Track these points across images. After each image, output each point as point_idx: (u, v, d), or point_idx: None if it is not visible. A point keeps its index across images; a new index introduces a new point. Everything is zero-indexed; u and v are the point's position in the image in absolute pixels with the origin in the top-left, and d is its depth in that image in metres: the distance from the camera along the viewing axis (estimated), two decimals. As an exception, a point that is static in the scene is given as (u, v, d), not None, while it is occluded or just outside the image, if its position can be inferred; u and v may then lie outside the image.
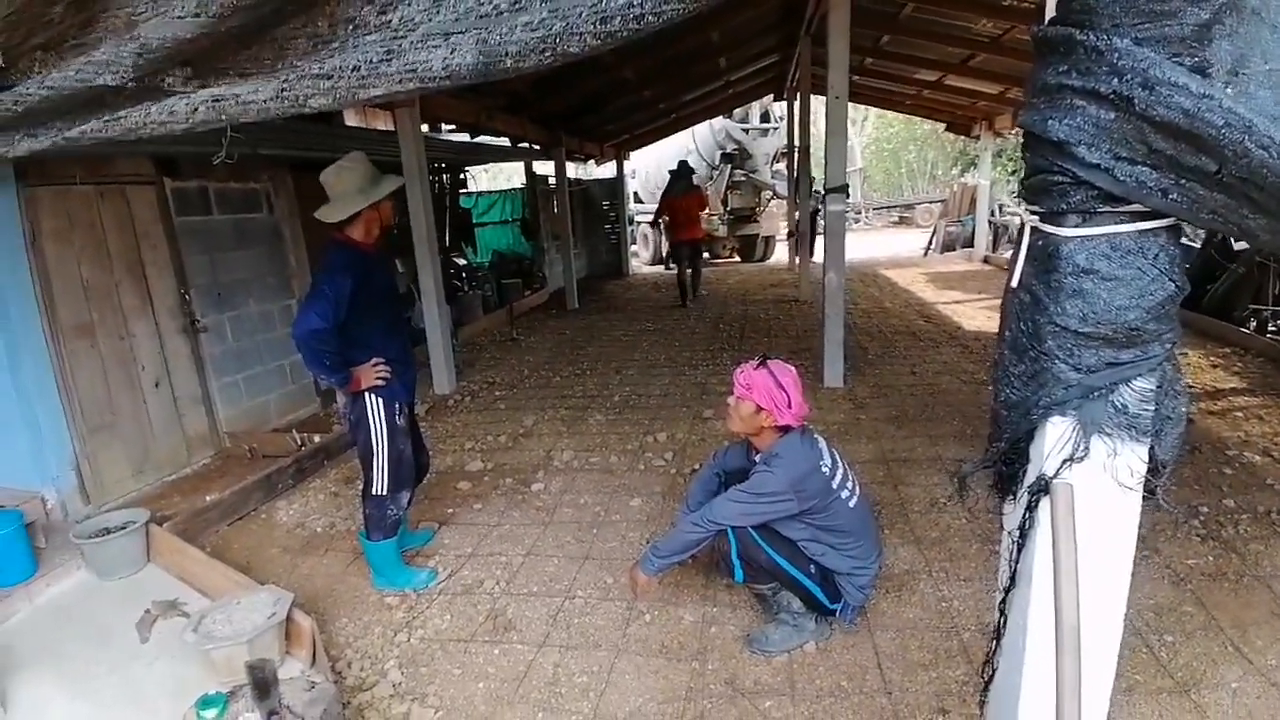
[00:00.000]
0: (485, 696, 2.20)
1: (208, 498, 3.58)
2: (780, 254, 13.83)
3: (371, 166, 2.55)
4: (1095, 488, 1.09)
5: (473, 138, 7.75)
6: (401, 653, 2.44)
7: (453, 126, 7.39)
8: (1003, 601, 1.29)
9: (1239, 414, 4.20)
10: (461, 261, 8.97)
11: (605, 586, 2.77)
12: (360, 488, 2.91)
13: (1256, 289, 6.05)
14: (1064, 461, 1.09)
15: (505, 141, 8.37)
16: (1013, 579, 1.23)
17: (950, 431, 4.10)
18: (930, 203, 20.15)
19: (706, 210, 11.12)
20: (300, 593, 2.77)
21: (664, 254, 13.93)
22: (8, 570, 2.80)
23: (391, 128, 5.80)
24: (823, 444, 2.36)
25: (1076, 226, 1.03)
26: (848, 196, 5.14)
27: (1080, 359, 1.05)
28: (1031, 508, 1.14)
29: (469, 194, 9.72)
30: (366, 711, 2.17)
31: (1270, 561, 2.64)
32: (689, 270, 8.98)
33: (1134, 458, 1.08)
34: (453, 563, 3.00)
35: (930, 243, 13.71)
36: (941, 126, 12.96)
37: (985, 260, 11.21)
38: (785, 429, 2.27)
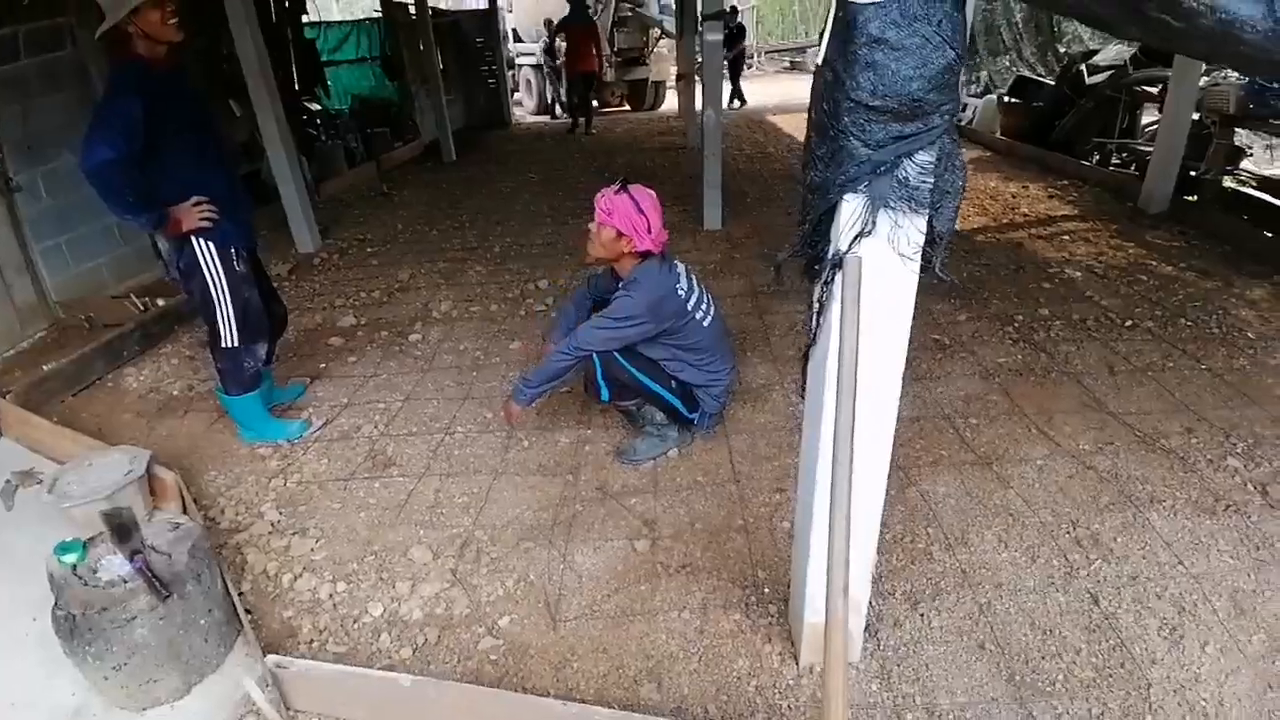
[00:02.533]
0: (367, 523, 2.29)
1: (45, 367, 3.28)
2: (671, 102, 13.29)
3: None
4: (880, 260, 1.21)
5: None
6: (278, 496, 2.45)
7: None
8: (803, 359, 1.45)
9: (1066, 237, 4.69)
10: (316, 107, 7.99)
11: (485, 421, 2.85)
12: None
13: (1103, 124, 6.52)
14: (855, 237, 1.19)
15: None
16: (813, 339, 1.37)
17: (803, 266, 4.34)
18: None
19: (596, 49, 10.51)
20: (162, 453, 2.65)
21: (549, 101, 13.04)
22: None
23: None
24: (681, 269, 2.43)
25: (872, -10, 1.05)
26: (727, 26, 4.91)
27: (870, 134, 1.11)
28: (828, 281, 1.25)
29: (313, 24, 8.43)
30: (245, 549, 2.21)
31: (1082, 361, 3.05)
32: (580, 102, 10.07)
33: (914, 230, 1.19)
34: (327, 413, 2.96)
35: (819, 88, 13.55)
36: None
37: (868, 105, 11.29)
38: (645, 254, 2.31)
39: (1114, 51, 6.64)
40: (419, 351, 3.51)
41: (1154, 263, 4.13)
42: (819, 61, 1.15)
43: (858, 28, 1.04)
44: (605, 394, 2.41)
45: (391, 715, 1.62)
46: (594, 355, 2.32)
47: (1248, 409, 2.66)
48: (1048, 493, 2.24)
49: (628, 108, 13.40)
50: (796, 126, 9.86)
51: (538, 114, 13.36)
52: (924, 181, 1.14)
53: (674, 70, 12.54)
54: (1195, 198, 5.16)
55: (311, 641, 1.87)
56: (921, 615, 1.81)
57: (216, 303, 2.48)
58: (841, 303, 1.19)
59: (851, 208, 1.17)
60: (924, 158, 1.13)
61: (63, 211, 4.00)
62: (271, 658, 1.68)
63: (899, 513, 2.17)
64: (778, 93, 15.01)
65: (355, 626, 1.90)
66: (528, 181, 7.33)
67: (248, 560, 2.17)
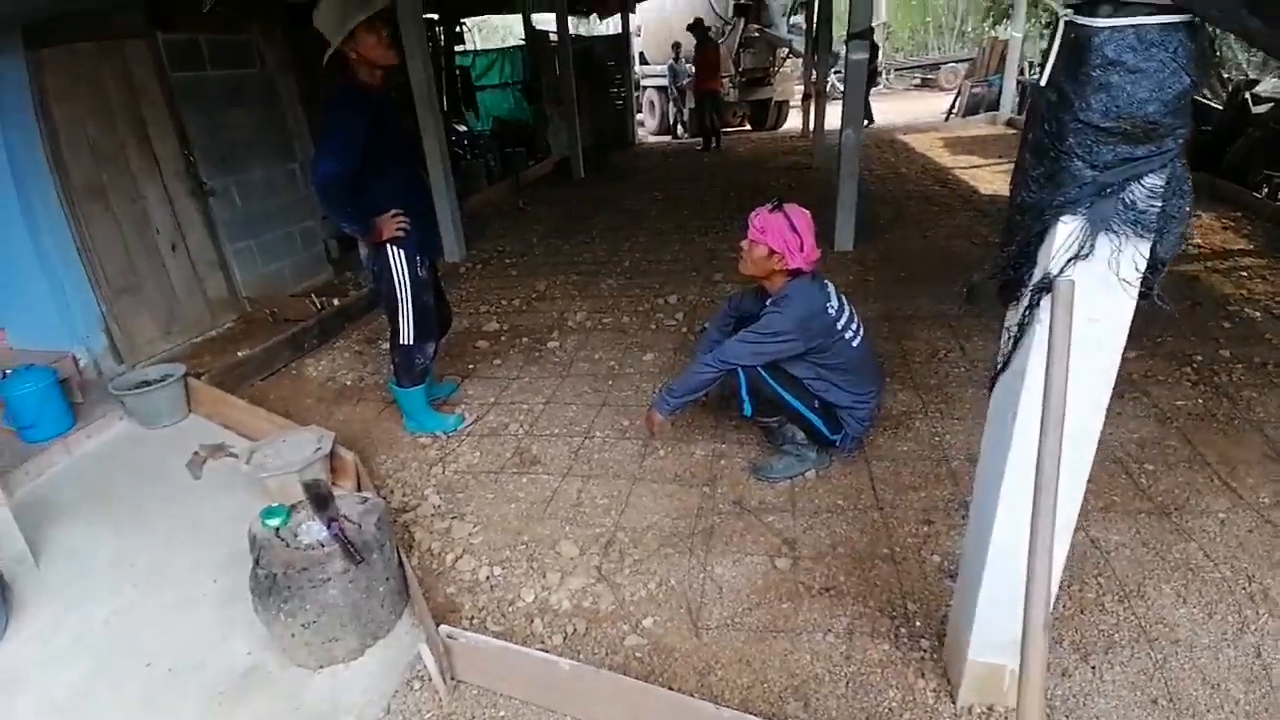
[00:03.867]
0: (517, 514, 2.44)
1: (239, 353, 3.74)
2: (794, 121, 13.18)
3: None
4: (1096, 284, 1.16)
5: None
6: (438, 482, 2.66)
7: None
8: (991, 384, 1.40)
9: (1244, 273, 4.22)
10: (462, 128, 8.64)
11: (622, 428, 2.96)
12: (387, 341, 3.02)
13: (1271, 153, 5.84)
14: (1069, 259, 1.15)
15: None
16: (1004, 365, 1.33)
17: (955, 290, 4.15)
18: (956, 62, 18.81)
19: (720, 70, 10.75)
20: (340, 436, 2.96)
21: (671, 121, 13.30)
22: (43, 424, 2.96)
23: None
24: (831, 288, 2.43)
25: (1109, 17, 1.03)
26: (873, 43, 4.84)
27: (1098, 155, 1.08)
28: (1033, 305, 1.21)
29: (465, 52, 9.15)
30: (412, 528, 2.42)
31: (1264, 409, 2.75)
32: (713, 116, 10.72)
33: (1137, 254, 1.14)
34: (478, 410, 3.19)
35: (953, 106, 12.95)
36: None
37: (1009, 124, 10.68)
38: (796, 272, 2.32)
39: (1273, 83, 6.00)
40: (557, 358, 3.69)
41: (1343, 306, 3.62)
42: (1041, 82, 1.14)
43: (1092, 49, 1.03)
44: (748, 408, 2.44)
45: (547, 696, 1.72)
46: (739, 369, 2.36)
47: None
48: (1228, 547, 2.04)
49: (749, 127, 13.41)
50: (929, 147, 9.49)
51: (659, 134, 13.69)
52: (1152, 205, 1.10)
53: (798, 89, 12.46)
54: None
55: (472, 618, 2.02)
56: (1093, 668, 1.69)
57: (400, 303, 2.73)
58: (1051, 328, 1.16)
59: (1068, 230, 1.14)
60: (1154, 181, 1.09)
61: (252, 217, 4.55)
62: (444, 628, 1.83)
63: (1067, 559, 2.03)
64: (909, 110, 14.50)
65: (510, 609, 2.03)
66: (653, 199, 7.52)
67: (415, 538, 2.37)
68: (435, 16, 7.42)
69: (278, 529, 2.04)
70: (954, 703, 1.63)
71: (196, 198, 4.17)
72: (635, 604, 2.01)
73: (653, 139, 13.41)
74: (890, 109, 14.48)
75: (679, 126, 13.17)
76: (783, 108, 13.40)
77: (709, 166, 9.33)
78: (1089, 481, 2.37)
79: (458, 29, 8.20)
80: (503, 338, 4.00)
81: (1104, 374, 1.24)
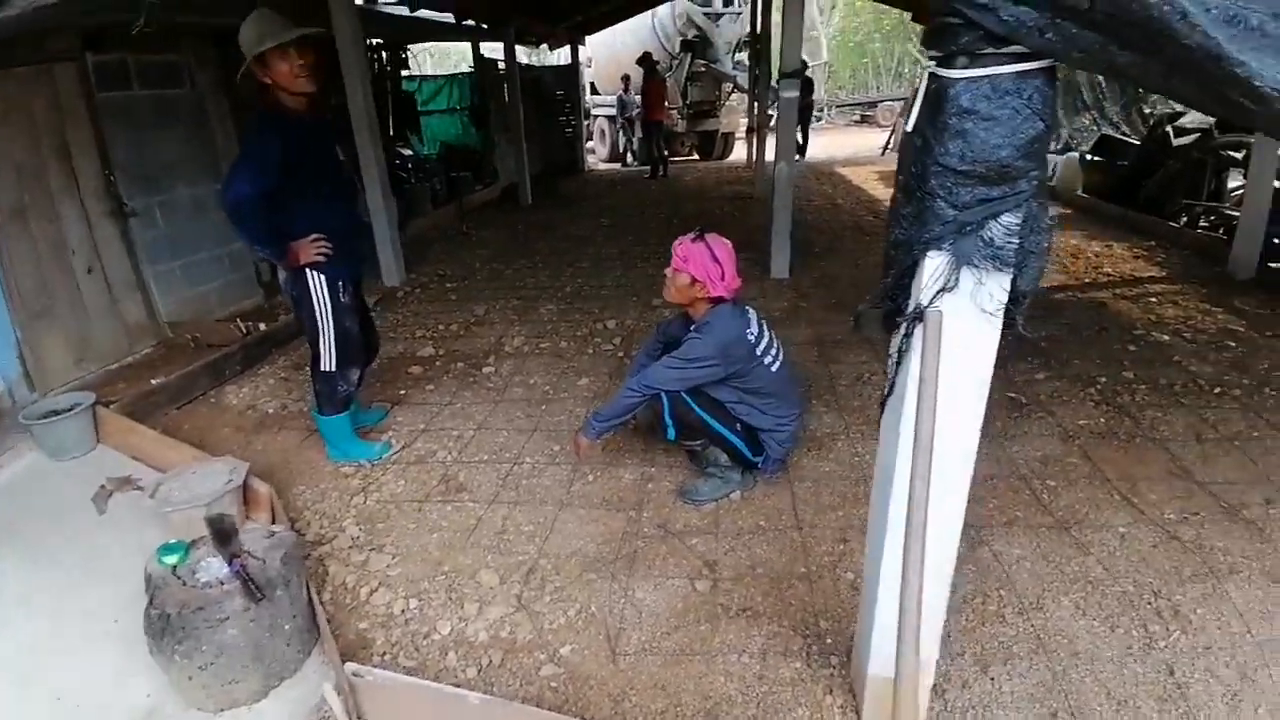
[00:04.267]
0: (438, 544, 2.39)
1: (153, 381, 3.58)
2: (740, 152, 13.58)
3: (273, 21, 2.34)
4: (962, 315, 1.24)
5: (412, 10, 7.20)
6: (359, 512, 2.59)
7: (391, -1, 6.85)
8: (881, 408, 1.47)
9: (1153, 299, 4.51)
10: (407, 152, 8.58)
11: (552, 453, 2.95)
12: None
13: (1190, 186, 6.29)
14: (937, 291, 1.22)
15: (449, 18, 7.81)
16: (890, 390, 1.40)
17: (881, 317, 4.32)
18: (893, 100, 19.80)
19: (666, 101, 11.05)
20: (256, 466, 2.86)
21: (620, 149, 13.54)
22: (-46, 452, 2.80)
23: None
24: (752, 315, 2.49)
25: (965, 68, 1.11)
26: (807, 80, 5.06)
27: (957, 196, 1.16)
28: (908, 333, 1.28)
29: (412, 77, 9.13)
30: (328, 561, 2.34)
31: (1169, 428, 2.92)
32: (660, 146, 11.13)
33: (997, 287, 1.22)
34: (406, 437, 3.13)
35: (889, 141, 13.62)
36: (909, 16, 12.52)
37: (940, 159, 11.24)
38: (718, 300, 2.39)
39: (1197, 115, 6.45)
40: (491, 383, 3.66)
41: (1241, 329, 3.91)
42: (908, 129, 1.22)
43: (949, 99, 1.11)
44: (671, 433, 2.47)
45: (456, 731, 1.67)
46: (662, 394, 2.39)
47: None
48: (1130, 562, 2.14)
49: (696, 157, 13.76)
50: (865, 179, 9.91)
51: (610, 161, 13.90)
52: (1009, 242, 1.18)
53: (744, 122, 12.89)
54: (1281, 266, 4.89)
55: (384, 654, 1.96)
56: (992, 679, 1.75)
57: (321, 329, 2.68)
58: (921, 355, 1.22)
59: (935, 264, 1.22)
60: (1010, 219, 1.17)
61: (176, 238, 4.41)
62: (350, 665, 1.76)
63: (969, 573, 2.12)
64: (849, 144, 15.11)
65: (425, 643, 1.98)
66: (599, 226, 7.60)
67: (329, 571, 2.29)
68: (379, 41, 7.39)
69: (175, 566, 1.95)
70: (859, 718, 1.66)
71: (116, 218, 4.01)
72: (554, 632, 1.99)
73: (603, 166, 13.61)
74: (831, 143, 15.08)
75: (628, 155, 13.41)
76: (729, 139, 13.82)
77: (655, 194, 9.51)
78: (994, 498, 2.51)
79: (403, 55, 8.17)
80: (437, 363, 3.95)
81: (975, 398, 1.32)
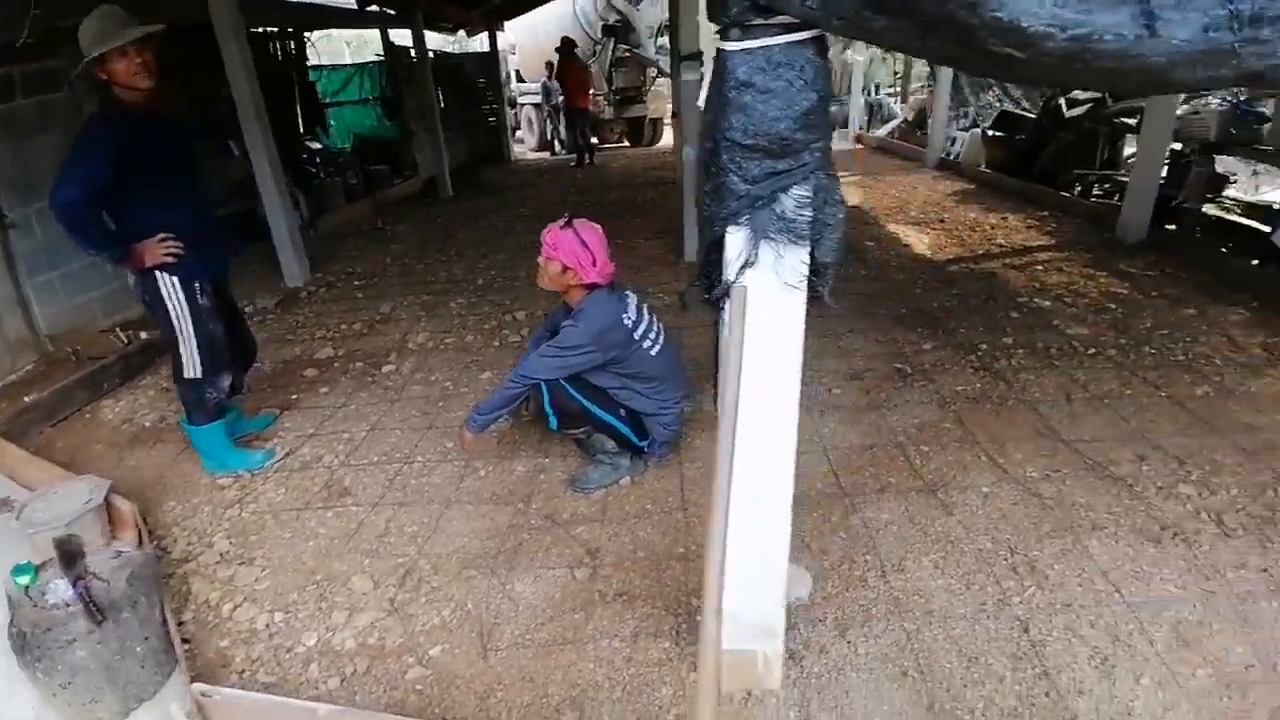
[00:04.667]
0: (314, 553, 2.31)
1: (26, 399, 3.37)
2: (669, 138, 13.54)
3: (113, 19, 2.24)
4: (766, 289, 1.24)
5: (310, -2, 6.89)
6: (231, 526, 2.48)
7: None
8: (714, 383, 1.47)
9: (1040, 267, 4.72)
10: (317, 145, 8.24)
11: (445, 450, 2.88)
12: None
13: (1084, 155, 6.58)
14: (741, 267, 1.23)
15: (350, 3, 7.49)
16: (715, 365, 1.40)
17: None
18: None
19: (590, 88, 10.92)
20: (127, 483, 2.73)
21: (549, 138, 13.33)
22: None
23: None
24: (631, 299, 2.48)
25: (739, 40, 1.11)
26: (701, 64, 5.06)
27: (747, 171, 1.16)
28: (722, 308, 1.29)
29: (317, 67, 8.76)
30: (192, 578, 2.23)
31: (1039, 389, 3.04)
32: (585, 133, 10.89)
33: (796, 260, 1.23)
34: (292, 443, 3.01)
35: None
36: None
37: (857, 140, 11.51)
38: (593, 286, 2.36)
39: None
40: (390, 382, 3.56)
41: (1125, 291, 4.14)
42: (700, 106, 1.21)
43: (729, 72, 1.10)
44: (554, 422, 2.44)
45: (310, 744, 1.62)
46: (542, 384, 2.36)
47: (1208, 436, 2.64)
48: (990, 520, 2.22)
49: (626, 144, 13.67)
50: (788, 160, 10.02)
51: (539, 150, 13.67)
52: (801, 214, 1.18)
53: (670, 107, 12.86)
54: (1175, 227, 5.19)
55: (243, 671, 1.88)
56: (849, 643, 1.80)
57: (179, 334, 2.55)
58: (730, 329, 1.23)
59: (736, 240, 1.22)
60: (799, 192, 1.18)
61: (56, 248, 4.12)
62: (197, 686, 1.69)
63: (840, 540, 2.17)
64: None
65: (288, 656, 1.91)
66: (519, 216, 7.47)
67: (193, 590, 2.19)
68: (275, 30, 7.04)
69: (26, 587, 1.86)
70: (720, 692, 1.68)
71: (-6, 231, 3.73)
72: (426, 633, 1.95)
73: (532, 155, 13.37)
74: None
75: (556, 143, 13.22)
76: (657, 125, 13.77)
77: (580, 182, 9.42)
78: (871, 466, 2.57)
79: (304, 42, 7.82)
80: (335, 364, 3.81)
81: (788, 369, 1.33)
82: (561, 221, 2.35)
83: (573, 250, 2.29)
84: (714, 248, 1.27)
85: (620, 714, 1.66)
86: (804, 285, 1.25)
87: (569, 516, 2.41)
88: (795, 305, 1.27)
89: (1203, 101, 5.60)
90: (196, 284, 2.53)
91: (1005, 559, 2.06)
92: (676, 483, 2.54)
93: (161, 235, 2.39)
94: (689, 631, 1.87)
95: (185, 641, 1.98)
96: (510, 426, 2.95)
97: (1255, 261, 4.60)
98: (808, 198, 1.19)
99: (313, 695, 1.77)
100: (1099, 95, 6.35)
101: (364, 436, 3.03)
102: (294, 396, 3.45)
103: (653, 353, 2.44)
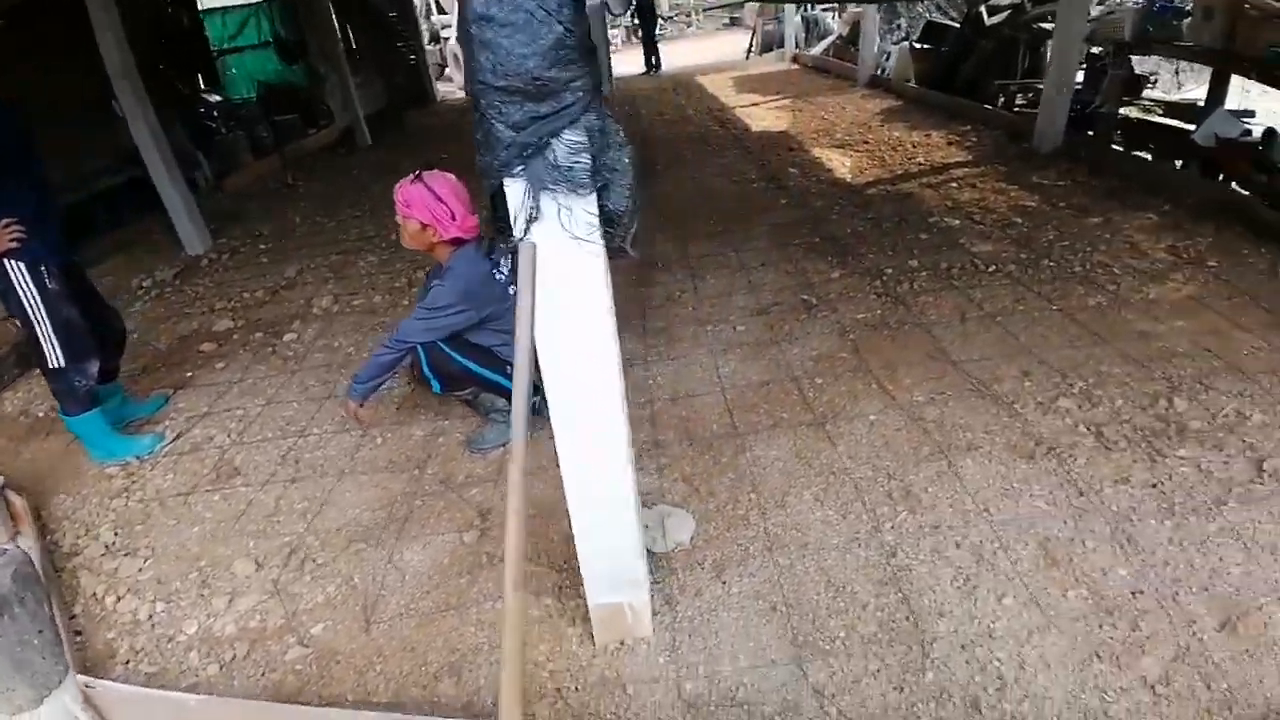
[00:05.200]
0: (199, 538, 2.25)
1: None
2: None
3: None
4: (556, 243, 1.18)
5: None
6: (117, 516, 2.40)
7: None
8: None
9: (954, 185, 4.70)
10: (215, 99, 7.66)
11: (343, 421, 2.80)
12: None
13: (1005, 65, 6.48)
14: (526, 222, 1.15)
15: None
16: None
17: (703, 231, 4.30)
18: (758, 0, 19.33)
19: None
20: (24, 476, 2.64)
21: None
22: None
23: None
24: (504, 254, 2.37)
25: (469, -34, 1.00)
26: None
27: (509, 116, 1.07)
28: (514, 265, 1.22)
29: (209, 11, 8.05)
30: (80, 571, 2.17)
31: (936, 311, 3.06)
32: None
33: (582, 211, 1.16)
34: (184, 424, 2.89)
35: (750, 44, 13.35)
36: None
37: (795, 59, 11.16)
38: (457, 241, 2.25)
39: None
40: (290, 352, 3.43)
41: (1034, 204, 4.16)
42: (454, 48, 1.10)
43: (468, 5, 1.00)
44: (436, 386, 2.38)
45: (184, 734, 1.61)
46: (418, 347, 2.28)
47: (1096, 348, 2.70)
48: (873, 448, 2.26)
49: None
50: (720, 87, 9.72)
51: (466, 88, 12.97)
52: (576, 162, 1.11)
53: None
54: (1092, 133, 5.18)
55: (128, 662, 1.85)
56: (724, 583, 1.84)
57: (36, 323, 2.42)
58: (520, 288, 1.16)
59: (516, 191, 1.14)
60: (572, 137, 1.09)
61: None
62: (81, 678, 1.66)
63: (728, 481, 2.19)
64: (715, 50, 14.73)
65: (169, 646, 1.88)
66: (439, 163, 7.09)
67: (81, 583, 2.13)
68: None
69: None
70: (594, 644, 1.71)
71: None
72: (309, 612, 1.93)
73: (459, 95, 12.67)
74: (697, 49, 14.65)
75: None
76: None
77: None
78: (765, 403, 2.58)
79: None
80: (235, 336, 3.65)
81: (597, 323, 1.28)
82: (410, 177, 2.22)
83: (426, 205, 2.18)
84: (497, 201, 1.19)
85: (497, 675, 1.67)
86: (596, 238, 1.18)
87: (464, 479, 2.38)
88: (591, 259, 1.21)
89: (1117, 2, 5.51)
90: (43, 268, 2.37)
91: (883, 486, 2.10)
92: (574, 435, 2.52)
93: (5, 221, 2.22)
94: (571, 586, 1.88)
95: (77, 634, 1.94)
96: (413, 390, 2.88)
97: (1179, 163, 4.63)
98: (580, 143, 1.10)
99: (192, 683, 1.76)
100: (1018, 1, 6.21)
101: (259, 412, 2.93)
102: (189, 374, 3.31)
103: (534, 307, 2.36)
